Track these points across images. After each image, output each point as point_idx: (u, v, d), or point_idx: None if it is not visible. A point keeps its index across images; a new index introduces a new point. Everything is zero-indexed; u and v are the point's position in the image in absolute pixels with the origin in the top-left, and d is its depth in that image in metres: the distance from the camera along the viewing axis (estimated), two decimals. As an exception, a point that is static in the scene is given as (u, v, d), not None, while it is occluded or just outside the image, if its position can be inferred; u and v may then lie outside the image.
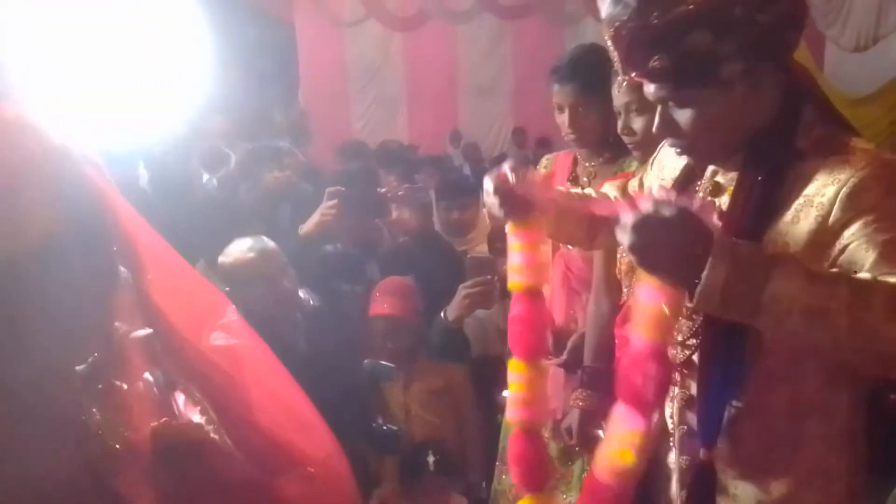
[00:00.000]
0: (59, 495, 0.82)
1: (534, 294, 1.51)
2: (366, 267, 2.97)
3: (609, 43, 1.24)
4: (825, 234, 1.16)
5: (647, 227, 1.08)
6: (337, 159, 5.34)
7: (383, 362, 2.55)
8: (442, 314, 2.57)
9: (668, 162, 1.49)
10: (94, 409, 0.87)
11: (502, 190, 1.44)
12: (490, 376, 2.56)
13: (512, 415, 1.53)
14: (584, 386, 2.10)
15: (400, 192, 3.36)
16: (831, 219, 1.16)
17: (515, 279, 1.51)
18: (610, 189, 1.69)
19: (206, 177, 3.30)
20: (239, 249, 2.32)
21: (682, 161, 1.40)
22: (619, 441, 1.26)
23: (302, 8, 8.75)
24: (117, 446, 0.86)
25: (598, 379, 2.07)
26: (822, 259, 1.16)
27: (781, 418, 1.27)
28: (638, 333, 1.23)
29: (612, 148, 2.14)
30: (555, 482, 1.56)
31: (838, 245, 1.15)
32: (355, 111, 9.27)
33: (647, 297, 1.21)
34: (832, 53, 7.39)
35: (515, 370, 1.52)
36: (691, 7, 1.14)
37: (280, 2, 8.51)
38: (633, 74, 1.23)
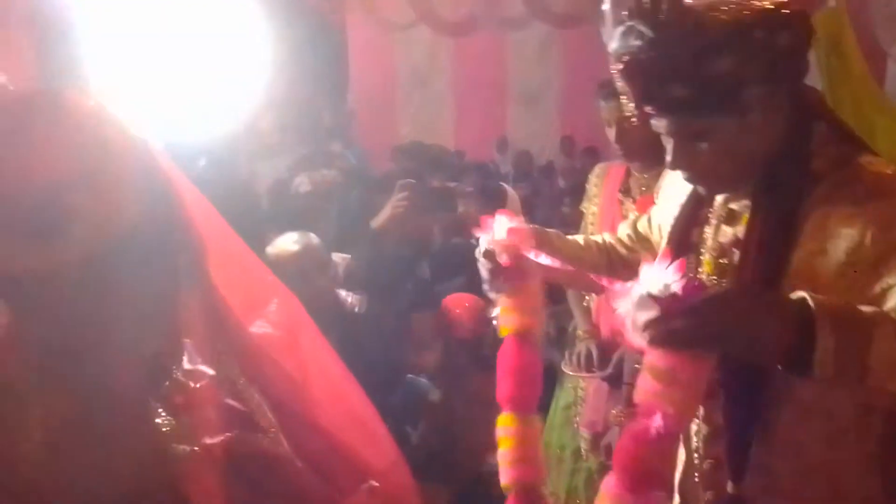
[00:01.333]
0: None
1: (525, 338, 1.44)
2: (416, 267, 2.97)
3: (619, 77, 1.21)
4: (859, 267, 1.12)
5: (706, 314, 1.01)
6: (393, 159, 5.38)
7: (423, 379, 2.54)
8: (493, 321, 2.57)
9: (672, 191, 1.47)
10: (165, 413, 0.86)
11: (493, 267, 1.41)
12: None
13: (505, 476, 1.43)
14: (627, 403, 2.07)
15: (469, 189, 3.34)
16: (865, 252, 1.11)
17: (506, 321, 1.45)
18: (624, 229, 1.66)
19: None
20: (284, 241, 2.35)
21: (688, 187, 1.37)
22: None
23: (353, 11, 8.82)
24: (195, 449, 0.85)
25: None
26: (859, 291, 1.11)
27: (816, 448, 1.22)
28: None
29: (663, 160, 2.12)
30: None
31: (880, 285, 1.10)
32: (402, 115, 9.30)
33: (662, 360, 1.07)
34: (894, 71, 7.22)
35: (504, 424, 1.43)
36: (712, 34, 1.11)
37: (332, 4, 8.59)
38: (648, 108, 1.21)
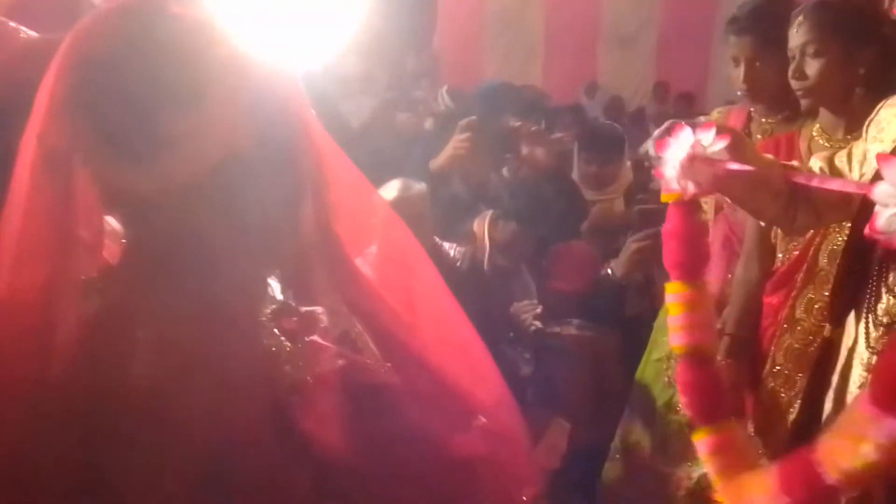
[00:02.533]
0: (244, 439, 0.79)
1: (689, 206, 1.37)
2: (476, 210, 2.91)
3: None
4: None
5: None
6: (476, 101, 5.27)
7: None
8: (608, 271, 2.49)
9: (888, 123, 1.36)
10: (283, 338, 0.85)
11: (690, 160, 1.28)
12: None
13: (677, 341, 1.39)
14: (724, 355, 1.99)
15: (533, 129, 3.24)
16: None
17: (668, 188, 1.37)
18: (816, 162, 1.53)
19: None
20: (388, 189, 2.32)
21: None
22: (859, 446, 1.08)
23: (443, -51, 8.63)
24: (308, 379, 0.83)
25: (740, 348, 1.98)
26: None
27: None
28: None
29: (792, 105, 2.02)
30: (732, 414, 1.40)
31: None
32: (489, 58, 9.11)
33: None
34: None
35: (674, 291, 1.38)
36: None
37: (421, -57, 8.41)
38: None
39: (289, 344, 0.87)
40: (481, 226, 2.72)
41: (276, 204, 0.83)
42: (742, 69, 2.07)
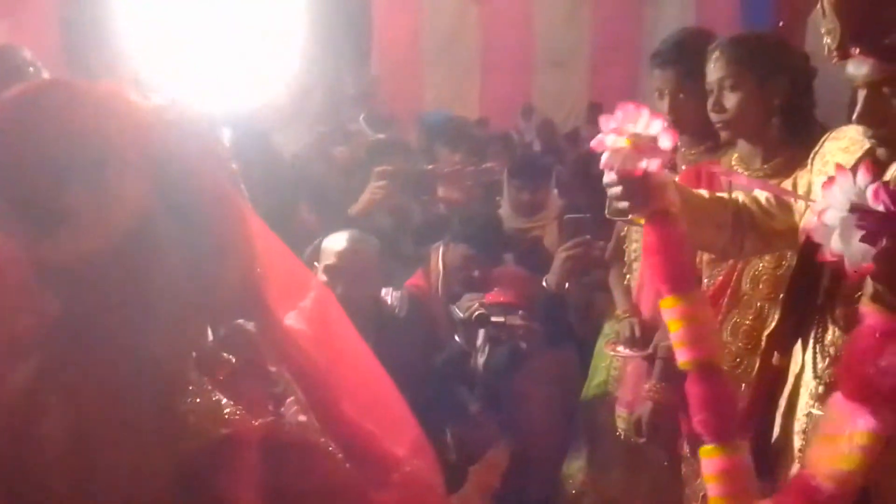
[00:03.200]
0: (152, 496, 0.79)
1: (664, 217, 1.34)
2: (401, 243, 2.96)
3: (829, 11, 1.14)
4: None
5: None
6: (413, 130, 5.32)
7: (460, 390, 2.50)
8: (543, 282, 2.52)
9: (832, 156, 1.38)
10: (211, 390, 0.85)
11: (627, 177, 1.29)
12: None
13: (682, 357, 1.36)
14: (658, 379, 2.03)
15: (447, 170, 3.33)
16: None
17: (637, 216, 1.37)
18: (763, 193, 1.56)
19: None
20: (337, 239, 2.33)
21: (851, 157, 1.29)
22: (842, 441, 1.11)
23: (378, -27, 8.68)
24: (223, 431, 0.83)
25: (673, 372, 2.01)
26: None
27: None
28: (871, 310, 1.10)
29: (714, 136, 2.07)
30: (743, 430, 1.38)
31: None
32: (428, 81, 9.17)
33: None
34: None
35: (669, 307, 1.34)
36: None
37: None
38: (855, 50, 1.14)
39: (219, 396, 0.87)
40: (435, 254, 2.76)
41: (193, 266, 0.84)
42: (666, 101, 2.12)
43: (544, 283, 2.54)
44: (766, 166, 1.89)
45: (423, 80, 9.15)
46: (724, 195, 1.56)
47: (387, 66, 8.54)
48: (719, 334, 1.39)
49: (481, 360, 2.55)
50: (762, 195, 1.54)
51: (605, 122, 1.31)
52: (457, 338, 2.57)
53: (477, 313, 2.48)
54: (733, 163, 1.98)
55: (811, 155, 1.49)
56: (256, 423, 0.87)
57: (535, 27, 9.22)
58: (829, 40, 1.16)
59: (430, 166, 3.44)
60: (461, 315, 2.55)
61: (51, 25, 5.54)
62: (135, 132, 0.83)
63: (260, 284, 0.95)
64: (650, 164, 1.26)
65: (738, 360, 1.88)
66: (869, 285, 1.10)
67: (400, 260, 2.81)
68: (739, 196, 1.56)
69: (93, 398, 0.80)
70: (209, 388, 0.88)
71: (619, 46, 8.69)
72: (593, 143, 1.33)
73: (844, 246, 1.05)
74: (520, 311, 2.49)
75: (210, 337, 0.92)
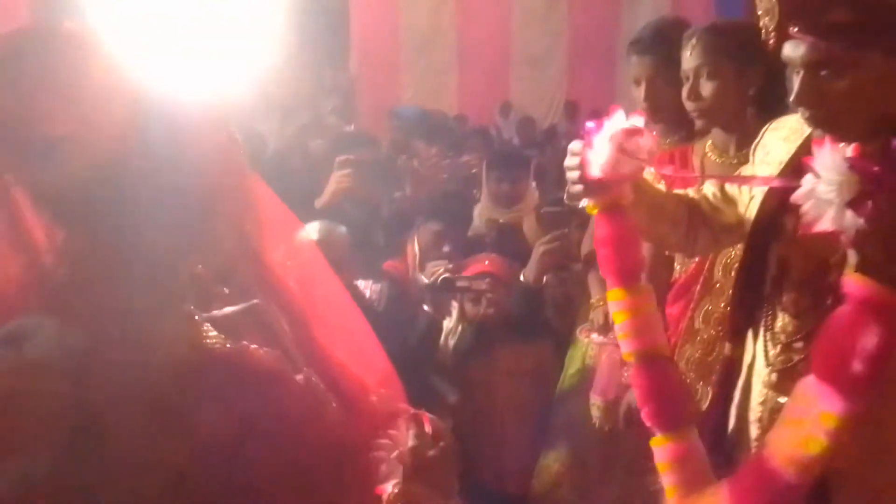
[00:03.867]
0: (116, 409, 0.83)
1: (615, 211, 1.37)
2: (372, 234, 2.97)
3: None
4: None
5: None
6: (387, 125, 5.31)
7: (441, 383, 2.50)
8: (521, 277, 2.53)
9: (773, 147, 1.40)
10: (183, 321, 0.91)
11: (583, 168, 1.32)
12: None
13: (626, 347, 1.38)
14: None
15: (424, 163, 3.34)
16: None
17: (591, 202, 1.39)
18: (709, 187, 1.56)
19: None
20: (308, 229, 2.31)
21: (792, 145, 1.30)
22: (807, 425, 1.10)
23: (356, -29, 8.67)
24: (187, 350, 0.89)
25: None
26: None
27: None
28: (856, 284, 1.07)
29: (689, 124, 2.07)
30: (691, 417, 1.40)
31: None
32: (405, 79, 9.18)
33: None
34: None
35: (615, 299, 1.38)
36: None
37: (334, -35, 8.43)
38: (795, 28, 1.13)
39: (207, 326, 0.93)
40: (411, 241, 2.76)
41: (182, 200, 0.90)
42: (643, 88, 2.13)
43: (521, 278, 2.54)
44: (740, 153, 1.89)
45: (401, 78, 9.16)
46: (678, 191, 1.58)
47: (365, 64, 8.55)
48: (661, 327, 1.40)
49: (452, 342, 2.54)
50: (710, 190, 1.55)
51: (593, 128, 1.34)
52: (426, 307, 2.55)
53: (442, 277, 2.48)
54: (707, 150, 1.99)
55: (752, 147, 1.50)
56: (226, 348, 0.91)
57: (512, 25, 9.25)
58: (766, 20, 1.17)
59: (402, 158, 3.43)
60: (426, 281, 2.55)
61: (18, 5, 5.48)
62: (111, 74, 0.89)
63: (253, 225, 1.00)
64: (629, 168, 1.30)
65: (710, 347, 1.90)
66: (852, 255, 1.08)
67: (373, 251, 2.80)
68: (690, 192, 1.57)
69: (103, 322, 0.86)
70: (196, 315, 0.93)
71: (595, 44, 8.74)
72: (576, 146, 1.36)
73: (840, 216, 1.04)
74: (487, 279, 2.50)
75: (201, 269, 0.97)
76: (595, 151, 1.32)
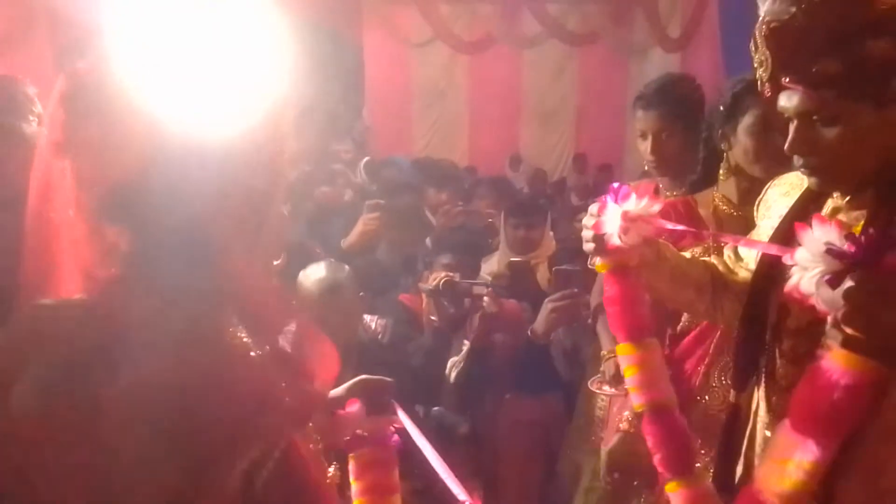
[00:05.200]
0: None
1: (624, 271, 1.41)
2: (400, 279, 3.01)
3: (762, 42, 1.16)
4: None
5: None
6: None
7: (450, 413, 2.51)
8: (528, 331, 2.56)
9: (775, 202, 1.43)
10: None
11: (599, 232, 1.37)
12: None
13: (636, 400, 1.42)
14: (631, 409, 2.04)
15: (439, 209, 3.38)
16: None
17: (602, 261, 1.43)
18: (726, 250, 1.58)
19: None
20: (314, 272, 2.32)
21: (791, 199, 1.33)
22: (789, 465, 1.14)
23: (371, 27, 8.88)
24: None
25: None
26: None
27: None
28: (833, 359, 1.10)
29: (692, 176, 2.11)
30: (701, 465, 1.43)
31: None
32: (418, 131, 9.34)
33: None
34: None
35: (624, 353, 1.42)
36: (879, 12, 1.07)
37: (350, 20, 8.66)
38: (786, 80, 1.16)
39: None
40: (425, 279, 2.78)
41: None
42: (649, 142, 2.18)
43: (529, 333, 2.57)
44: (744, 207, 1.87)
45: (413, 131, 9.32)
46: (704, 258, 1.61)
47: (378, 117, 8.71)
48: (668, 380, 1.43)
49: (454, 374, 2.55)
50: (726, 253, 1.56)
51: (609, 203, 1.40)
52: (432, 317, 2.58)
53: (443, 281, 2.51)
54: (717, 202, 1.99)
55: (756, 203, 1.53)
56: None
57: (523, 80, 9.43)
58: (761, 72, 1.18)
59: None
60: (428, 288, 2.57)
61: (45, 60, 5.65)
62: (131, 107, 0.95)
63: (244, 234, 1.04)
64: (636, 237, 1.36)
65: (724, 403, 1.87)
66: (832, 329, 1.09)
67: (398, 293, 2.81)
68: (710, 257, 1.60)
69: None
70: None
71: (604, 100, 8.89)
72: (594, 208, 1.42)
73: (820, 291, 1.06)
74: (488, 288, 2.54)
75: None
76: (607, 218, 1.38)
